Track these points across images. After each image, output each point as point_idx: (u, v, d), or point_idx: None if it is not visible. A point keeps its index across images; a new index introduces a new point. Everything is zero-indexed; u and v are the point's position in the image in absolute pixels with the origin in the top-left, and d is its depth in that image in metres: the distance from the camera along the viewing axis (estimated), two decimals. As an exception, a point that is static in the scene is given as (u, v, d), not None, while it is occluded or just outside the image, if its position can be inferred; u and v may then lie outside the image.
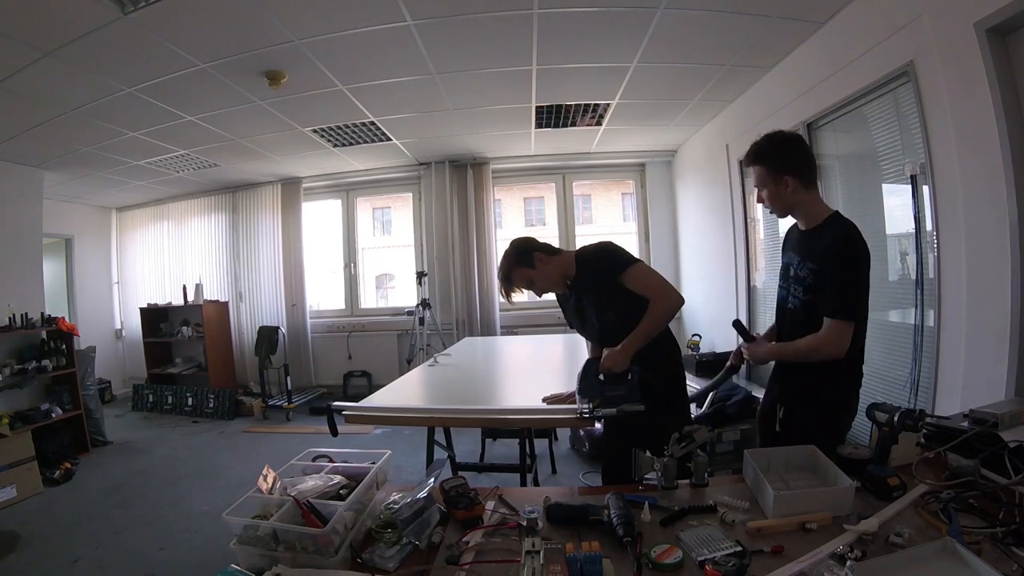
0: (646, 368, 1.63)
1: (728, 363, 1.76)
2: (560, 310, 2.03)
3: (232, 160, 4.94)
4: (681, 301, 1.67)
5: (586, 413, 1.60)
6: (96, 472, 3.81)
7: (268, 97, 3.41)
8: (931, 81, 2.10)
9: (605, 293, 1.73)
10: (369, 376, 5.85)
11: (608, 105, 4.02)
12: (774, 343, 1.65)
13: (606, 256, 1.74)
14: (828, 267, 1.43)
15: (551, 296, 1.96)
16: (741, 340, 1.71)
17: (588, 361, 1.72)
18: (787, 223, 1.71)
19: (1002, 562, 0.89)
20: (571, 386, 2.47)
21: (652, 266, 1.82)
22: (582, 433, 3.50)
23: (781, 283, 1.65)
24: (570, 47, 3.00)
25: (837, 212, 1.56)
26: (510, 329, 5.59)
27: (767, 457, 1.30)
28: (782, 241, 1.76)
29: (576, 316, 1.90)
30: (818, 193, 1.57)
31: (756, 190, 1.63)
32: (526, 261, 1.81)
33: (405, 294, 6.87)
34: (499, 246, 5.78)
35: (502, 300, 5.60)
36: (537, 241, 1.87)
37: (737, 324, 1.75)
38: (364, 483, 1.22)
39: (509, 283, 1.84)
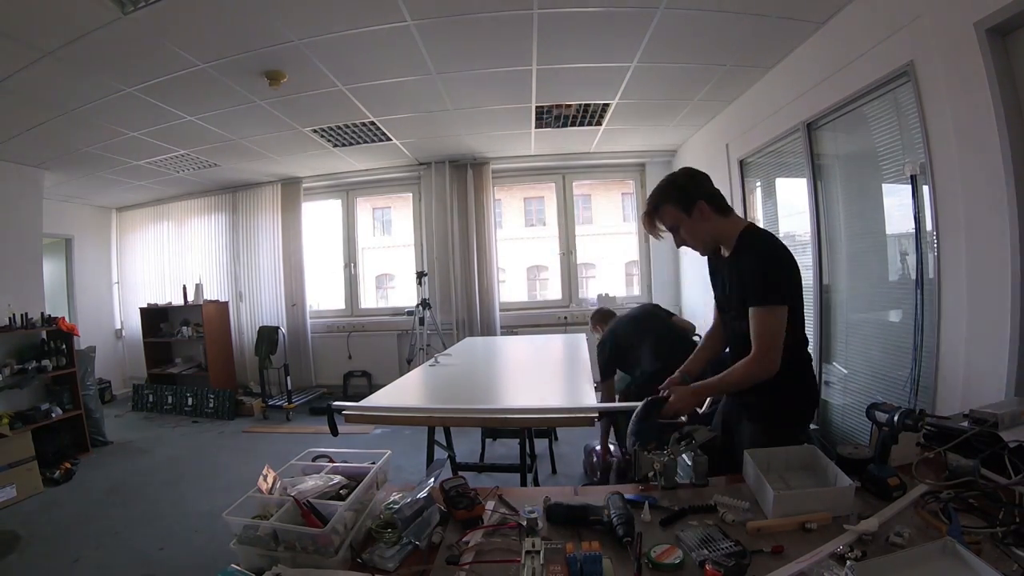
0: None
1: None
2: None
3: (232, 160, 4.94)
4: (771, 374, 1.37)
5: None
6: (96, 472, 3.81)
7: (268, 97, 3.41)
8: (931, 81, 2.10)
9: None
10: (369, 376, 5.85)
11: (608, 105, 4.02)
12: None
13: (756, 278, 1.42)
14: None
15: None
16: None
17: (649, 402, 1.49)
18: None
19: (1002, 562, 0.89)
20: (569, 387, 2.47)
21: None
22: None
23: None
24: (570, 47, 3.00)
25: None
26: (510, 329, 5.59)
27: (767, 457, 1.30)
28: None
29: (719, 283, 1.62)
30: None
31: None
32: (684, 204, 1.47)
33: (405, 294, 6.86)
34: (499, 246, 5.79)
35: (502, 300, 5.70)
36: (708, 185, 1.51)
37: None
38: (364, 483, 1.22)
39: (657, 214, 1.54)
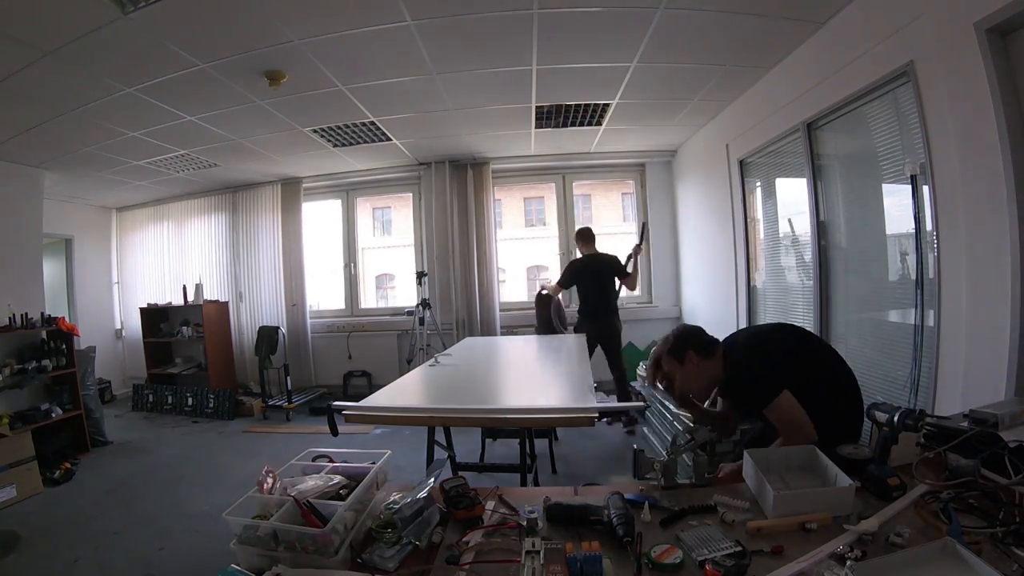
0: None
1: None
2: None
3: (232, 160, 4.94)
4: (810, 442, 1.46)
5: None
6: (96, 472, 3.81)
7: (268, 97, 3.41)
8: (931, 81, 2.10)
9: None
10: (369, 376, 5.85)
11: (608, 105, 4.02)
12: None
13: (744, 390, 1.66)
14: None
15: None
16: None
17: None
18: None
19: (1002, 562, 0.89)
20: (569, 387, 2.46)
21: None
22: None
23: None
24: (570, 47, 3.00)
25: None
26: (510, 329, 5.59)
27: (767, 457, 1.30)
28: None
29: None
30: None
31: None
32: (677, 354, 1.69)
33: (405, 294, 6.87)
34: (499, 246, 5.78)
35: (503, 300, 5.69)
36: (703, 336, 1.73)
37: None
38: (364, 483, 1.22)
39: (657, 369, 1.73)
